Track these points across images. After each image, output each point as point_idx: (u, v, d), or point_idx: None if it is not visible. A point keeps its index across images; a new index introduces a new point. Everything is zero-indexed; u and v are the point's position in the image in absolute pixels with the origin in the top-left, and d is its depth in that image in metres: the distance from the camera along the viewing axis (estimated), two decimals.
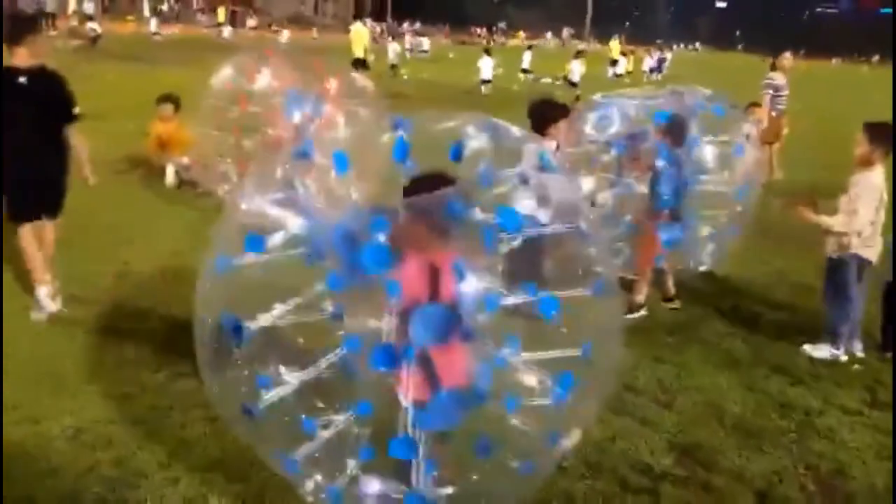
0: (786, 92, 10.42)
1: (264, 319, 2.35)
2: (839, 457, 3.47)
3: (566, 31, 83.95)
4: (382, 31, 41.75)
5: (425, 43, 40.14)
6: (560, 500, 2.99)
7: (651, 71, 31.60)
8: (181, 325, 4.32)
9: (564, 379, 2.39)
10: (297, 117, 5.46)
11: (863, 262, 4.41)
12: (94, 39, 26.77)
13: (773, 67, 10.86)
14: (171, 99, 7.72)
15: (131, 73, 17.18)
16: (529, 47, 27.37)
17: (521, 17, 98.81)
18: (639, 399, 3.89)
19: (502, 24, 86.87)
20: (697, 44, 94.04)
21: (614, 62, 31.20)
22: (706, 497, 3.09)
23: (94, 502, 2.80)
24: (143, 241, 5.90)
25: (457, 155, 2.34)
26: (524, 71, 24.47)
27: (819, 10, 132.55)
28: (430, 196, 2.18)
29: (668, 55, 36.57)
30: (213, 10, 49.56)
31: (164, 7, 49.96)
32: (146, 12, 37.82)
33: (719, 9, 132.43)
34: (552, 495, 3.00)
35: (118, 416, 3.40)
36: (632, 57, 31.33)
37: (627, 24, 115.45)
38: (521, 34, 43.98)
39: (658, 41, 48.00)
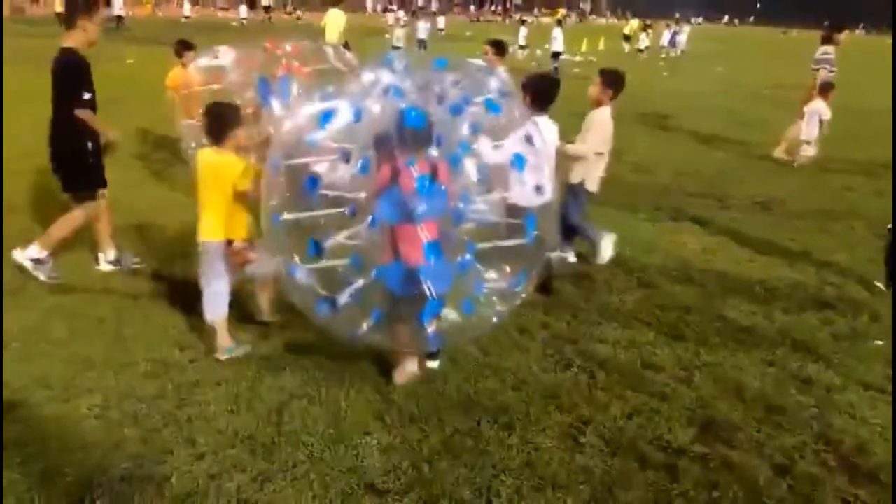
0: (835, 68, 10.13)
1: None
2: (860, 433, 3.44)
3: (583, 4, 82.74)
4: (393, 13, 41.11)
5: (441, 21, 39.83)
6: (578, 476, 3.01)
7: (666, 45, 31.06)
8: (200, 305, 4.42)
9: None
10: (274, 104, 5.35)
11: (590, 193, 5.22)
12: (119, 21, 26.79)
13: (827, 41, 10.41)
14: (191, 46, 7.30)
15: (151, 58, 17.24)
16: (523, 22, 26.99)
17: None
18: (658, 376, 3.88)
19: (518, 1, 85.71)
20: (725, 18, 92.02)
21: (627, 38, 30.78)
22: (725, 473, 3.09)
23: (122, 477, 2.86)
24: (165, 223, 5.95)
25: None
26: (521, 47, 24.08)
27: None
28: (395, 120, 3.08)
29: (686, 29, 35.86)
30: None
31: None
32: None
33: None
34: (570, 472, 3.03)
35: (144, 395, 3.47)
36: (650, 32, 30.77)
37: None
38: (561, 11, 42.93)
39: (676, 15, 47.03)
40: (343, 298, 3.16)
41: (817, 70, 10.14)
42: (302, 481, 2.90)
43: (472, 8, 64.69)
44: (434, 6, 50.10)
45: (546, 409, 3.50)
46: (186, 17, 34.85)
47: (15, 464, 2.90)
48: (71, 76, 4.46)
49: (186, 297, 4.57)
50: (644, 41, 29.34)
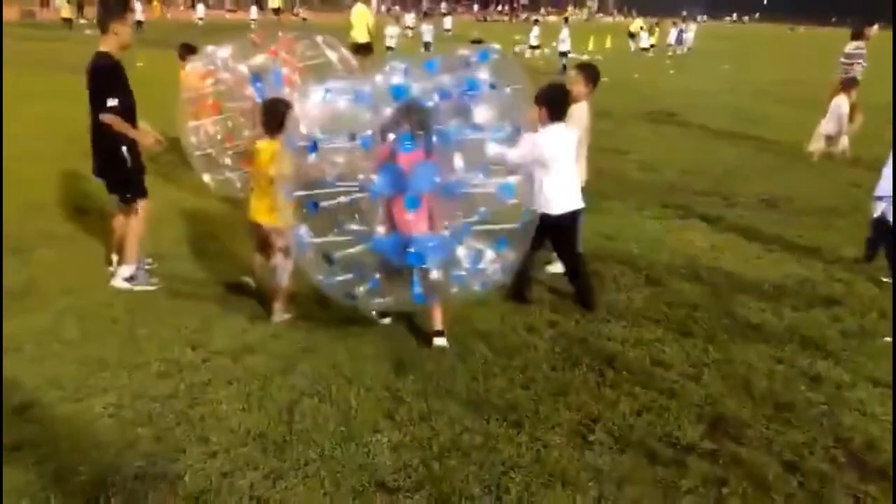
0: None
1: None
2: (870, 430, 3.44)
3: (591, 2, 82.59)
4: (392, 12, 41.01)
5: (448, 22, 39.86)
6: (587, 473, 3.02)
7: (672, 43, 30.97)
8: (214, 303, 4.46)
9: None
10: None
11: None
12: (139, 25, 26.93)
13: (857, 37, 10.33)
14: (194, 49, 7.14)
15: (161, 60, 17.28)
16: (536, 22, 26.99)
17: None
18: (666, 373, 3.89)
19: (524, 1, 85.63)
20: (734, 15, 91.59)
21: (632, 35, 30.73)
22: (734, 470, 3.09)
23: (135, 475, 2.89)
24: (175, 225, 5.99)
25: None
26: (532, 47, 24.10)
27: None
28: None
29: (692, 27, 35.75)
30: None
31: None
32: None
33: None
34: (579, 469, 3.04)
35: (157, 394, 3.50)
36: (657, 30, 30.73)
37: None
38: (570, 9, 42.31)
39: (683, 13, 46.91)
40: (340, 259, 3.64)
41: (851, 65, 10.07)
42: (313, 479, 2.92)
43: (476, 7, 64.46)
44: (444, 7, 50.17)
45: (555, 407, 3.52)
46: (201, 19, 34.93)
47: (30, 463, 2.93)
48: (100, 81, 4.44)
49: (198, 296, 4.63)
50: (646, 40, 29.25)
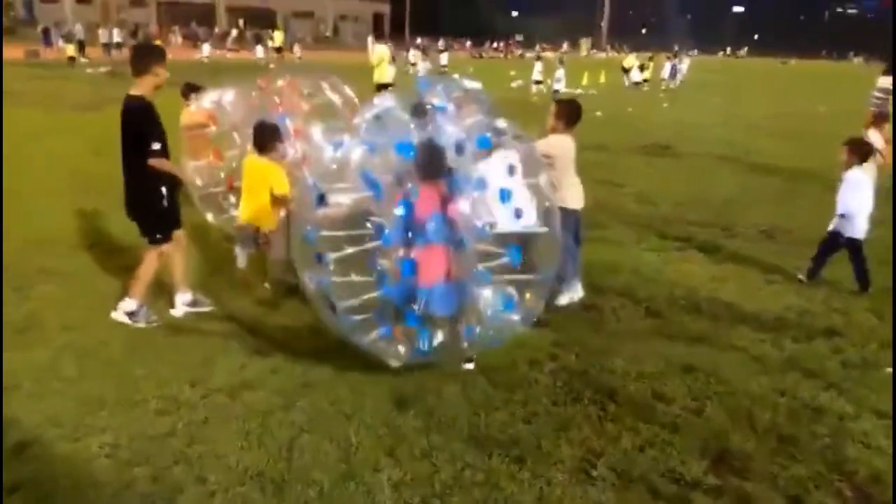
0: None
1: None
2: (875, 463, 3.41)
3: (585, 41, 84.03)
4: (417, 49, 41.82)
5: (444, 58, 40.43)
6: None
7: (666, 77, 31.37)
8: (213, 339, 4.44)
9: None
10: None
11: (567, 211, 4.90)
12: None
13: (889, 72, 10.38)
14: (197, 88, 6.94)
15: (166, 99, 17.46)
16: (538, 58, 27.41)
17: (538, 28, 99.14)
18: (669, 407, 3.87)
19: (519, 37, 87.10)
20: (727, 50, 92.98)
21: (626, 70, 31.13)
22: None
23: None
24: None
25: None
26: (536, 82, 24.48)
27: (839, 10, 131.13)
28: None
29: (685, 61, 36.30)
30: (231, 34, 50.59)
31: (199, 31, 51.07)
32: (176, 39, 38.56)
33: (736, 13, 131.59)
34: None
35: (155, 433, 3.47)
36: (651, 65, 31.17)
37: (644, 31, 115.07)
38: (563, 49, 43.06)
39: (675, 48, 47.67)
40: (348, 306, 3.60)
41: (885, 100, 10.07)
42: None
43: (469, 43, 64.98)
44: (441, 44, 50.96)
45: (557, 443, 3.49)
46: (206, 58, 35.33)
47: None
48: (143, 125, 4.42)
49: (197, 333, 4.62)
50: (638, 75, 29.59)
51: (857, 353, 4.64)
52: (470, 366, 4.19)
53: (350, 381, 3.99)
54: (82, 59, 31.18)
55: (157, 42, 34.07)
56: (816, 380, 4.24)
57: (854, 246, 5.82)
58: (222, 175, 5.83)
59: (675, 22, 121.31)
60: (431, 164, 3.54)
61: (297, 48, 40.98)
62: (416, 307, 3.51)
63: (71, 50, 30.66)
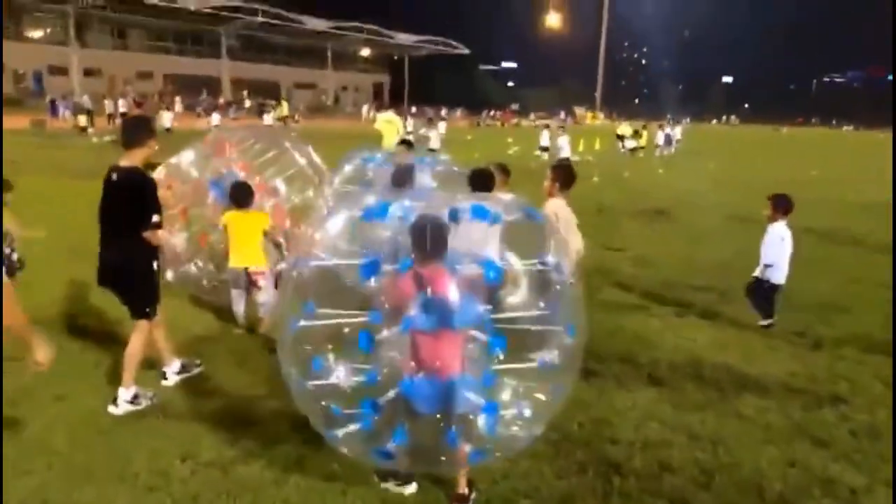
0: None
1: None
2: None
3: (580, 110, 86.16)
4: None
5: (442, 127, 41.32)
6: None
7: (661, 144, 31.91)
8: (204, 410, 4.35)
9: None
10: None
11: None
12: (167, 132, 27.81)
13: None
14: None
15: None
16: (546, 126, 28.01)
17: (534, 98, 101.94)
18: (676, 479, 3.75)
19: (515, 106, 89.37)
20: (731, 118, 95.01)
21: (620, 137, 31.74)
22: None
23: None
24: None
25: None
26: (542, 149, 24.98)
27: (826, 79, 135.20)
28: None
29: (678, 129, 37.12)
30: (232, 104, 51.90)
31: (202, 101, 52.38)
32: (177, 108, 39.53)
33: (726, 83, 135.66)
34: None
35: None
36: (644, 133, 31.81)
37: (637, 100, 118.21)
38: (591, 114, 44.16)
39: (669, 116, 48.90)
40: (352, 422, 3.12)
41: None
42: None
43: (458, 112, 65.87)
44: (444, 113, 52.40)
45: None
46: (216, 126, 36.07)
47: None
48: (146, 198, 4.35)
49: (188, 404, 4.52)
50: (632, 142, 30.18)
51: (865, 422, 4.54)
52: (412, 488, 3.60)
53: (344, 457, 3.87)
54: (89, 129, 31.93)
55: (158, 112, 34.96)
56: (826, 450, 4.13)
57: (775, 290, 6.34)
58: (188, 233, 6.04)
59: (667, 91, 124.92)
60: (436, 241, 3.04)
61: (295, 115, 42.03)
62: (446, 402, 3.06)
63: (83, 120, 31.68)
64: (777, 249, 6.24)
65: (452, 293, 2.99)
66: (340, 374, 3.13)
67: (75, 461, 3.76)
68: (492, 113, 74.14)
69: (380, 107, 33.44)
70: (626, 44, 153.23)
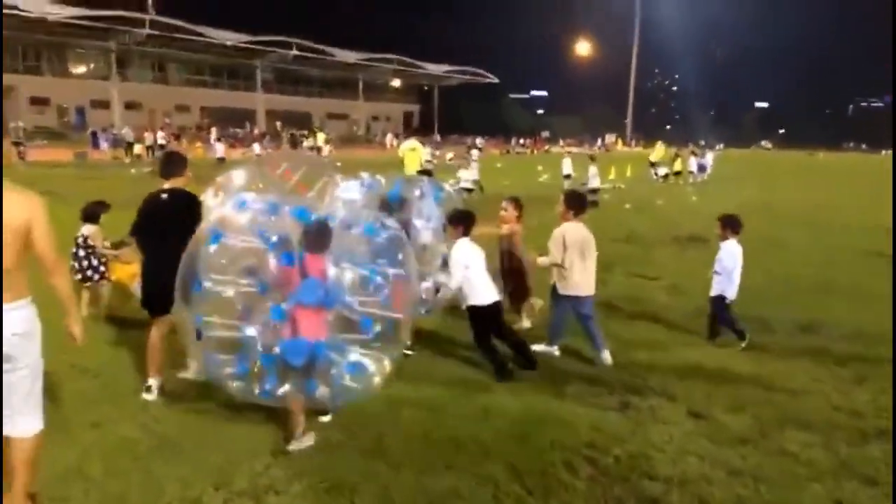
0: None
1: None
2: None
3: (609, 137, 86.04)
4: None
5: (474, 154, 41.58)
6: None
7: (694, 172, 31.55)
8: (237, 437, 4.34)
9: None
10: None
11: (570, 297, 5.98)
12: (220, 161, 28.67)
13: None
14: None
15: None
16: (569, 153, 27.95)
17: (563, 125, 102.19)
18: None
19: (545, 134, 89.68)
20: (765, 143, 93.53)
21: (653, 164, 31.44)
22: None
23: None
24: None
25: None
26: (566, 177, 24.78)
27: (864, 103, 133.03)
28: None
29: (710, 155, 36.72)
30: (268, 135, 53.00)
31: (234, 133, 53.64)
32: (212, 140, 40.53)
33: (760, 108, 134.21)
34: None
35: None
36: (679, 158, 31.50)
37: (668, 127, 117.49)
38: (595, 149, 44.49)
39: (701, 143, 48.50)
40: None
41: None
42: None
43: (480, 140, 66.02)
44: (479, 142, 53.07)
45: None
46: (258, 155, 36.62)
47: None
48: (196, 215, 4.80)
49: (222, 429, 4.54)
50: (663, 169, 29.90)
51: None
52: (326, 418, 4.63)
53: (377, 486, 3.85)
54: (126, 160, 32.90)
55: (198, 146, 35.95)
56: (874, 488, 3.96)
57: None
58: None
59: (699, 117, 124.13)
60: (319, 238, 4.08)
61: (327, 146, 42.74)
62: (273, 352, 3.98)
63: (139, 149, 33.99)
64: (728, 263, 6.64)
65: (326, 280, 4.02)
66: (249, 331, 4.03)
67: (110, 489, 3.79)
68: (521, 141, 74.45)
69: (407, 136, 33.84)
70: (656, 70, 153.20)
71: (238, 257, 4.09)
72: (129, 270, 6.94)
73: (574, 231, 5.92)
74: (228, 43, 60.09)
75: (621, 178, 29.31)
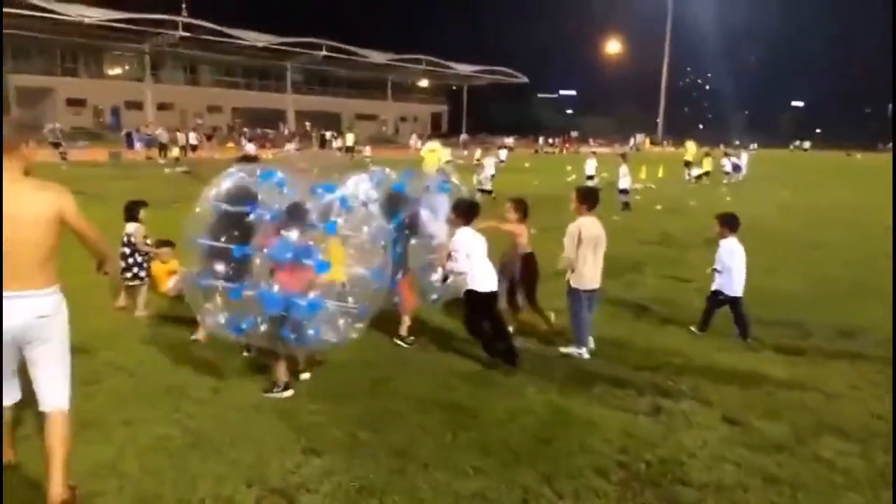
0: None
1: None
2: None
3: (639, 136, 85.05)
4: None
5: (503, 154, 41.47)
6: None
7: (727, 172, 31.01)
8: (269, 434, 4.37)
9: None
10: None
11: (585, 291, 6.15)
12: (253, 159, 29.19)
13: None
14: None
15: None
16: (593, 153, 27.63)
17: (593, 124, 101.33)
18: None
19: (575, 133, 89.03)
20: (804, 143, 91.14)
21: (688, 164, 30.93)
22: None
23: None
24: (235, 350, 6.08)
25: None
26: (589, 178, 24.30)
27: None
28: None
29: (744, 155, 36.02)
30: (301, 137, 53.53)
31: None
32: (243, 142, 41.11)
33: (796, 107, 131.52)
34: None
35: None
36: (709, 158, 30.97)
37: (701, 126, 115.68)
38: (626, 147, 44.44)
39: (736, 142, 47.60)
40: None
41: None
42: None
43: (510, 140, 65.76)
44: (510, 141, 53.30)
45: None
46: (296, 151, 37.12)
47: None
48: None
49: (255, 426, 4.58)
50: (696, 170, 29.38)
51: None
52: (306, 376, 5.41)
53: (406, 487, 3.85)
54: (160, 160, 33.52)
55: (230, 146, 36.52)
56: None
57: (735, 303, 6.82)
58: None
59: (733, 117, 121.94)
60: (293, 215, 4.89)
61: (367, 147, 42.99)
62: (251, 293, 4.80)
63: (176, 151, 34.68)
64: (727, 261, 6.78)
65: (298, 243, 4.82)
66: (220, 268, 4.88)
67: (145, 485, 3.84)
68: (550, 140, 74.02)
69: (431, 137, 33.96)
70: (688, 68, 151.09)
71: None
72: (165, 269, 7.06)
73: (589, 225, 6.07)
74: (259, 44, 60.80)
75: (652, 178, 28.93)
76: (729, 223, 6.95)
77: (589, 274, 6.08)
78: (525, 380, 5.53)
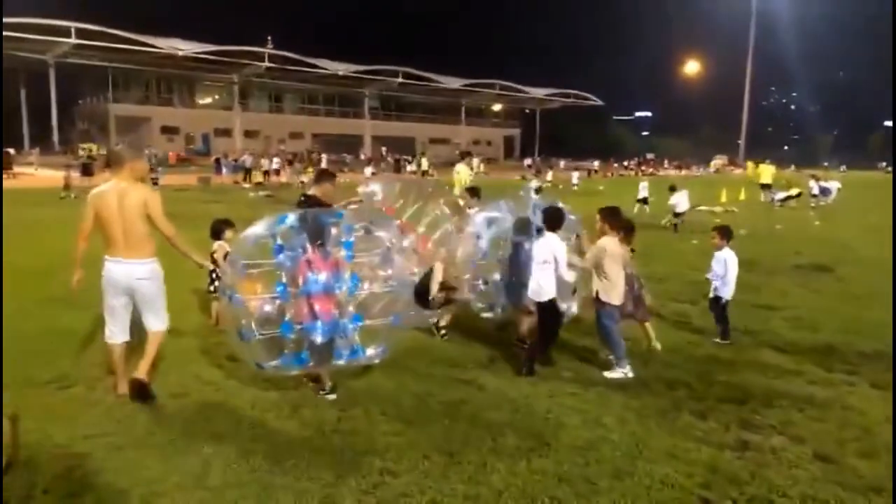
0: None
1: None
2: None
3: (718, 159, 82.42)
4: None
5: (575, 177, 41.10)
6: None
7: (815, 195, 29.46)
8: (346, 451, 4.44)
9: None
10: None
11: (615, 306, 6.35)
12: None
13: None
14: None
15: None
16: (646, 177, 26.64)
17: (669, 146, 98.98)
18: None
19: (651, 155, 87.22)
20: (883, 164, 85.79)
21: (766, 186, 29.59)
22: None
23: None
24: None
25: None
26: (640, 201, 23.37)
27: None
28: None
29: (833, 177, 34.14)
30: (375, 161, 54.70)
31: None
32: (323, 165, 42.59)
33: (888, 127, 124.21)
34: None
35: None
36: (796, 179, 29.54)
37: (786, 147, 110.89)
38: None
39: (825, 164, 45.26)
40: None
41: None
42: None
43: (596, 163, 64.83)
44: (596, 164, 53.14)
45: None
46: (368, 177, 38.29)
47: None
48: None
49: (336, 442, 4.65)
50: (781, 193, 28.04)
51: None
52: (332, 397, 5.49)
53: None
54: (245, 185, 35.01)
55: (309, 171, 38.07)
56: None
57: (724, 306, 7.43)
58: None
59: (820, 138, 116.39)
60: (314, 232, 5.14)
61: (430, 170, 44.03)
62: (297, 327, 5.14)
63: (258, 176, 37.33)
64: (721, 268, 7.33)
65: (327, 272, 5.11)
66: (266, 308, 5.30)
67: (229, 498, 3.96)
68: (625, 163, 72.78)
69: (462, 158, 34.47)
70: (772, 88, 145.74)
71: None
72: (249, 287, 7.31)
73: (613, 245, 6.36)
74: (340, 72, 62.93)
75: (734, 201, 27.93)
76: (725, 234, 7.55)
77: (620, 290, 6.31)
78: (603, 409, 5.41)
